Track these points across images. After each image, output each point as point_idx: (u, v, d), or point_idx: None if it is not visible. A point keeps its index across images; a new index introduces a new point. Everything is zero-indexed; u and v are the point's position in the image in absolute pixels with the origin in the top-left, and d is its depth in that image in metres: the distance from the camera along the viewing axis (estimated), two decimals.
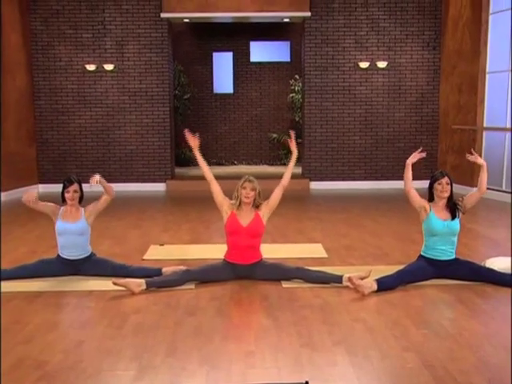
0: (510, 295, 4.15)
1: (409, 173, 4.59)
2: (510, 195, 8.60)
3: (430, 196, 4.53)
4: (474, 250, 5.55)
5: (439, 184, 4.44)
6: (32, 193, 4.57)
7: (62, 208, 4.68)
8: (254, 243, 4.56)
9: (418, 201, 4.54)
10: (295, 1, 10.32)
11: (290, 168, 4.75)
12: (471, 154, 4.77)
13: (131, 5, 10.38)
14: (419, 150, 4.72)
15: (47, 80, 10.50)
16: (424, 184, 11.73)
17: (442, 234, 4.42)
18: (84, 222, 4.66)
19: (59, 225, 4.63)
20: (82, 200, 4.74)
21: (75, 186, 4.63)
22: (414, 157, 4.65)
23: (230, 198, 4.65)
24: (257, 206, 4.60)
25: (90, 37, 10.44)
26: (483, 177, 4.64)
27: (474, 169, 9.58)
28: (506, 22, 8.95)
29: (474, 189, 4.72)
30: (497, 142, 9.23)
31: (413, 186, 4.57)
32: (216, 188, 4.65)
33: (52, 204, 4.71)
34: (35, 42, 10.39)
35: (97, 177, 4.59)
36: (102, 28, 10.43)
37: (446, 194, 4.45)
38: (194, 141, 4.73)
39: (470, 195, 4.59)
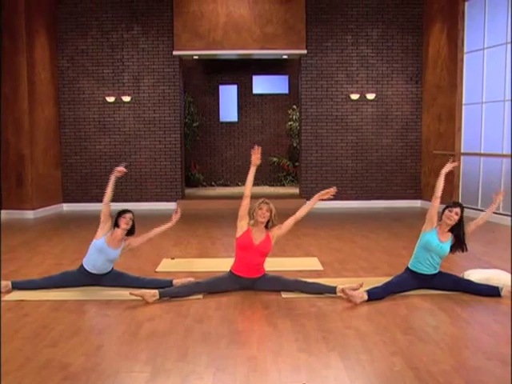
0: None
1: (441, 181, 4.53)
2: (492, 215, 8.59)
3: (440, 217, 4.47)
4: (453, 263, 5.55)
5: (449, 211, 4.40)
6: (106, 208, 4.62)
7: (111, 231, 4.63)
8: (261, 261, 4.54)
9: (434, 213, 4.48)
10: (293, 40, 10.44)
11: (308, 209, 4.68)
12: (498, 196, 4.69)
13: (147, 44, 10.51)
14: (451, 160, 4.67)
15: (72, 110, 10.59)
16: (409, 203, 11.72)
17: (432, 251, 4.40)
18: (119, 252, 4.63)
19: (101, 243, 4.57)
20: (132, 233, 4.69)
21: (131, 215, 4.62)
22: (447, 166, 4.60)
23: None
24: (270, 227, 4.53)
25: (110, 72, 10.55)
26: (488, 214, 4.65)
27: (454, 189, 9.61)
28: (479, 61, 9.07)
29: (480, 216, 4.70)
30: (473, 165, 9.27)
31: (439, 197, 4.51)
32: (246, 203, 4.53)
33: (110, 222, 4.65)
34: (62, 78, 10.51)
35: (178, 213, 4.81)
36: (121, 64, 10.55)
37: (450, 222, 4.39)
38: (255, 155, 4.52)
39: (469, 228, 4.53)
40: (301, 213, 4.64)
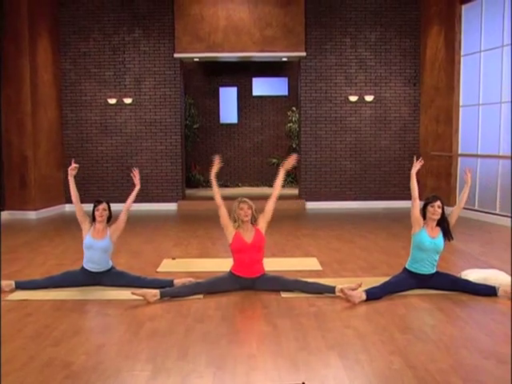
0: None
1: (414, 182, 4.57)
2: (483, 214, 8.61)
3: (423, 215, 4.50)
4: (451, 263, 5.55)
5: (431, 206, 4.42)
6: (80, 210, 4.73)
7: (93, 226, 4.71)
8: (259, 257, 4.54)
9: (417, 214, 4.50)
10: (292, 42, 10.44)
11: (279, 184, 4.75)
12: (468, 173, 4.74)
13: (148, 47, 10.52)
14: (416, 158, 4.71)
15: (74, 112, 10.59)
16: (407, 204, 11.75)
17: (427, 250, 4.41)
18: (108, 241, 4.68)
19: (88, 240, 4.65)
20: (111, 220, 4.78)
21: (104, 205, 4.70)
22: (415, 166, 4.64)
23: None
24: (255, 221, 4.58)
25: (112, 74, 10.55)
26: (465, 195, 4.64)
27: (451, 190, 9.61)
28: (476, 63, 9.07)
29: (450, 208, 4.73)
30: (470, 166, 9.23)
31: (417, 197, 4.53)
32: (223, 212, 4.58)
33: (88, 219, 4.74)
34: (64, 80, 10.51)
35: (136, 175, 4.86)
36: (123, 67, 10.55)
37: (436, 217, 4.42)
38: (214, 167, 4.64)
39: (452, 215, 4.58)
40: (275, 190, 4.72)
